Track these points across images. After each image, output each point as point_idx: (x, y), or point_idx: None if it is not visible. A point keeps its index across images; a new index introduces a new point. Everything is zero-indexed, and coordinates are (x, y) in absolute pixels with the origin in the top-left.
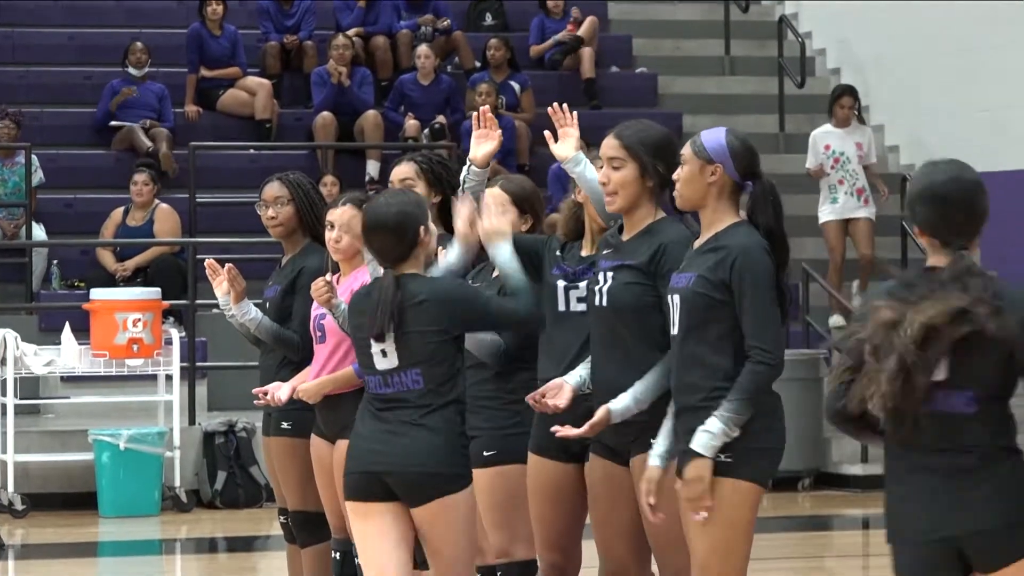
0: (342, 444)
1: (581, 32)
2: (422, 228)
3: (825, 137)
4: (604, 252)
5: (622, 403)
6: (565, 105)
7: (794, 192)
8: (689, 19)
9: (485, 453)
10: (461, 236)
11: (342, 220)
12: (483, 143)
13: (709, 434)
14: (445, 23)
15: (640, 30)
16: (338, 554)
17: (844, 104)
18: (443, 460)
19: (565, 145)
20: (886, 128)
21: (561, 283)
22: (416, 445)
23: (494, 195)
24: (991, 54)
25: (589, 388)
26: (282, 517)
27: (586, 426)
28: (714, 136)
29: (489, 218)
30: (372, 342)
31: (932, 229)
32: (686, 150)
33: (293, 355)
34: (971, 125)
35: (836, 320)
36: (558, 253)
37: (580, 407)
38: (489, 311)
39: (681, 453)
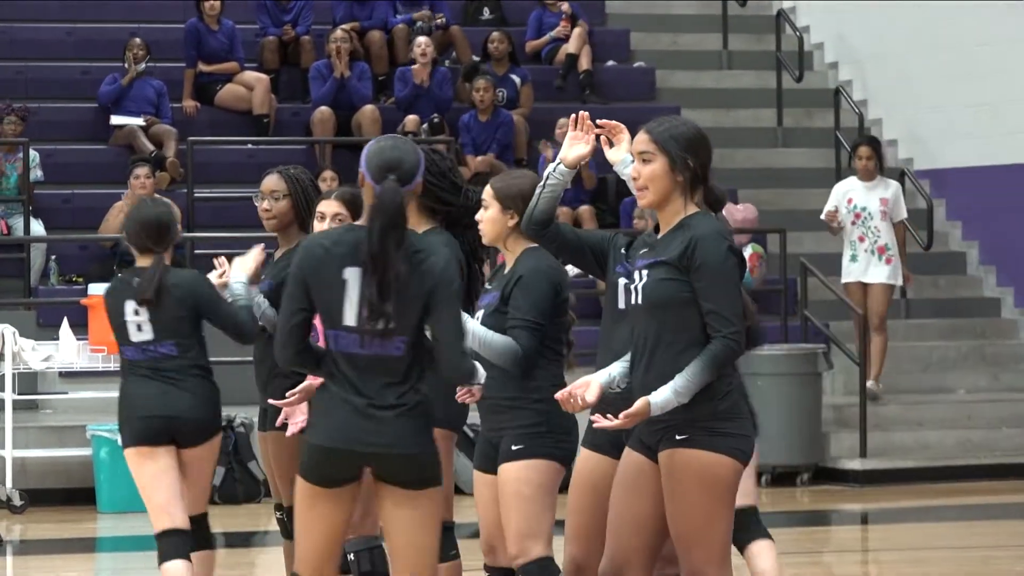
0: None
1: (571, 48)
2: (179, 227)
3: (849, 190)
4: (641, 251)
5: (662, 396)
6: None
7: (790, 186)
8: (687, 13)
9: (513, 447)
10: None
11: (333, 212)
12: (577, 145)
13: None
14: (440, 19)
15: (638, 24)
16: None
17: (861, 155)
18: (211, 409)
19: (619, 149)
20: (884, 122)
21: (622, 281)
22: (190, 399)
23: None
24: (989, 48)
25: (619, 387)
26: (279, 512)
27: (621, 416)
28: None
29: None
30: (128, 316)
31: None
32: None
33: None
34: (969, 119)
35: (871, 385)
36: (623, 251)
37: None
38: (220, 311)
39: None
